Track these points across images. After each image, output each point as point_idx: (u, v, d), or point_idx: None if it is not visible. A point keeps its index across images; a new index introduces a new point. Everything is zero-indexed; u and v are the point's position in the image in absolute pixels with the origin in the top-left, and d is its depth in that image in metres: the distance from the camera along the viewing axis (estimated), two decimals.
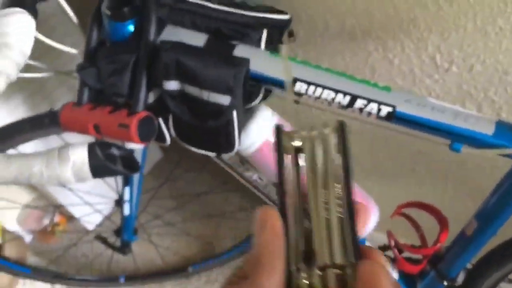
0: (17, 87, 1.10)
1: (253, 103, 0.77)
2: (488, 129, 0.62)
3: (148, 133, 0.69)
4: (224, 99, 0.67)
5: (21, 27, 0.54)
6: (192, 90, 0.68)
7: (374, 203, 0.84)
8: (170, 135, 0.80)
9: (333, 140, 0.32)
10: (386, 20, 0.76)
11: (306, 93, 0.66)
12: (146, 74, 0.69)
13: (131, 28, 0.72)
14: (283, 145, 0.33)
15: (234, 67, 0.65)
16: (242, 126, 0.75)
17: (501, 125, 0.62)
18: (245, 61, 0.66)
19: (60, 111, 0.73)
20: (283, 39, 0.78)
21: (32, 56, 0.60)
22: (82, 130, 0.70)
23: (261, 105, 0.79)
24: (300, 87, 0.66)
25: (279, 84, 0.68)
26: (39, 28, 0.62)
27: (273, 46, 0.75)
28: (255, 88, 0.74)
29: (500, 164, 0.65)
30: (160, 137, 0.80)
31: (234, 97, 0.66)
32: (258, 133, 0.78)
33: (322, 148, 0.32)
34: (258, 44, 0.72)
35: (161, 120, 0.77)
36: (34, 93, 1.22)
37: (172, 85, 0.69)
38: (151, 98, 0.72)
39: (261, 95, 0.76)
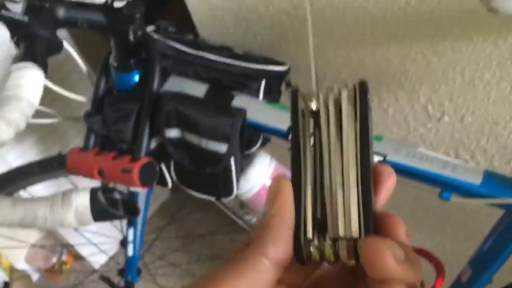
0: (29, 130, 1.15)
1: (252, 150, 0.80)
2: (476, 179, 0.64)
3: (150, 178, 0.72)
4: (221, 147, 0.70)
5: (31, 80, 0.58)
6: (192, 138, 0.71)
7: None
8: (172, 179, 0.83)
9: (352, 101, 0.28)
10: (380, 72, 0.79)
11: None
12: (149, 122, 0.73)
13: (136, 78, 0.76)
14: (299, 109, 0.29)
15: (231, 117, 0.68)
16: (240, 172, 0.78)
17: (488, 175, 0.64)
18: (242, 112, 0.69)
19: (67, 156, 0.76)
20: (282, 89, 0.81)
21: (43, 102, 0.64)
22: (88, 174, 0.74)
23: (260, 151, 0.82)
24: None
25: (276, 133, 0.71)
26: (51, 76, 0.66)
27: (271, 95, 0.79)
28: (253, 136, 0.77)
29: (497, 210, 0.66)
30: (162, 181, 0.83)
31: (231, 145, 0.69)
32: (256, 178, 0.80)
33: (339, 110, 0.29)
34: (256, 94, 0.76)
35: (163, 165, 0.81)
36: (45, 136, 1.27)
37: (173, 132, 0.72)
38: (153, 144, 0.76)
39: (259, 142, 0.79)
